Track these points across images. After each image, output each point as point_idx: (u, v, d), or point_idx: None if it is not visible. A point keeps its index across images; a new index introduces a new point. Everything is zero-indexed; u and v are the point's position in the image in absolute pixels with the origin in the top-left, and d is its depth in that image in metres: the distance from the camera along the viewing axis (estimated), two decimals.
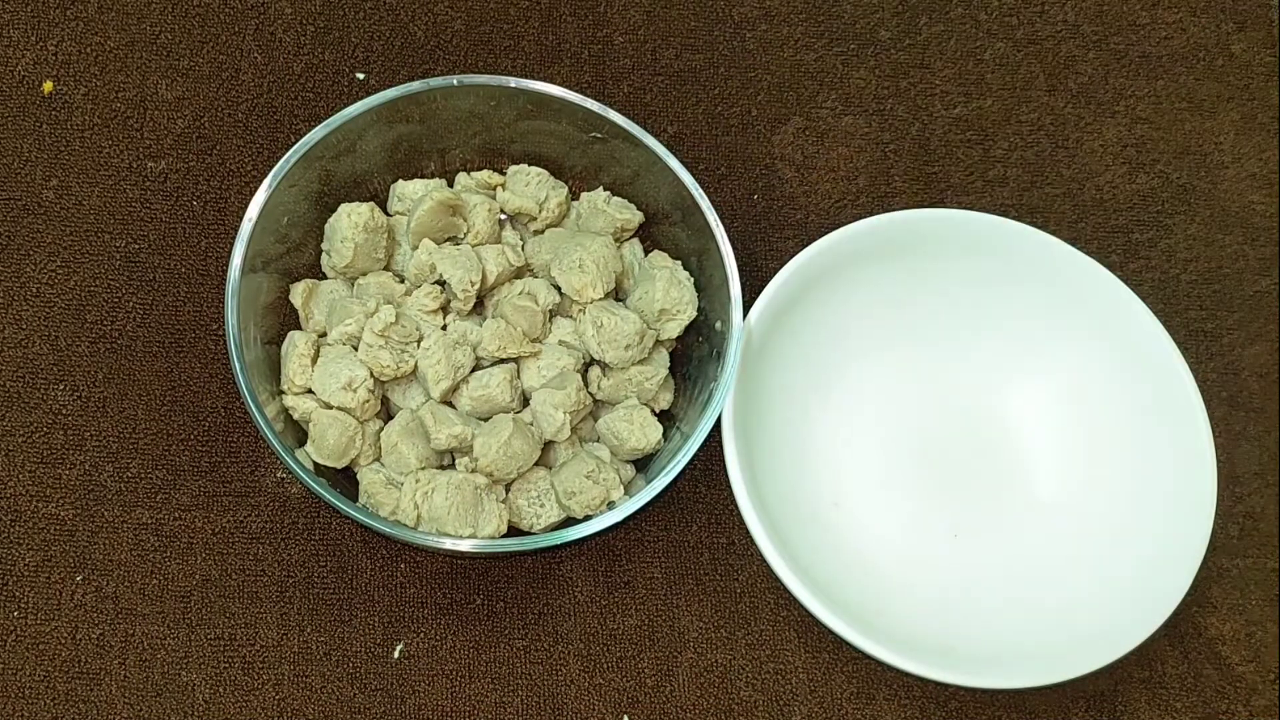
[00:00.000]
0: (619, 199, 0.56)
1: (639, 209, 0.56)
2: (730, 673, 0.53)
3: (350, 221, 0.52)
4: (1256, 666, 0.55)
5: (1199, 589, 0.53)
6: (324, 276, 0.55)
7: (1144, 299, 0.55)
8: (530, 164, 0.56)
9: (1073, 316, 0.56)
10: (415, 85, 0.52)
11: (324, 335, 0.53)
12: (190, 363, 0.55)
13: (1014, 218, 0.56)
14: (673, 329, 0.53)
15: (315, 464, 0.51)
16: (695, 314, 0.53)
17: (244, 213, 0.49)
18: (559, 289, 0.54)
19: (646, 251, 0.57)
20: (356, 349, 0.51)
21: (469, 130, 0.55)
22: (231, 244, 0.49)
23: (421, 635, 0.52)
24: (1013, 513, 0.56)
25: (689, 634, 0.53)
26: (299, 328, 0.54)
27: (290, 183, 0.51)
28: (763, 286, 0.53)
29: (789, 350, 0.55)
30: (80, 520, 0.52)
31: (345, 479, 0.52)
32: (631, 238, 0.57)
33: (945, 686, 0.52)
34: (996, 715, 0.53)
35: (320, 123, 0.51)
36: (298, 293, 0.53)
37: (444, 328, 0.53)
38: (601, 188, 0.56)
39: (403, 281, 0.54)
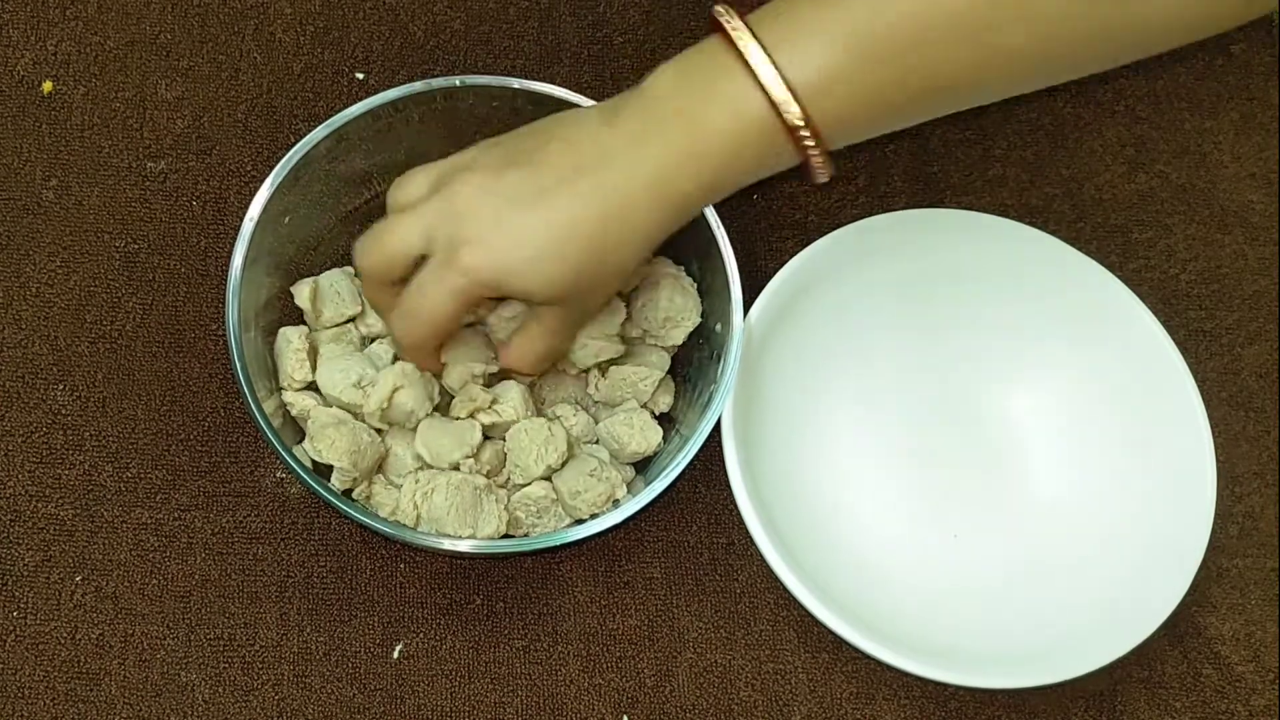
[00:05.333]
0: None
1: None
2: (730, 673, 0.53)
3: None
4: (1256, 666, 0.55)
5: (1199, 589, 0.53)
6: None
7: (1144, 299, 0.55)
8: None
9: (1072, 316, 0.56)
10: (415, 85, 0.52)
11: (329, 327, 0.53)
12: (190, 363, 0.55)
13: (1014, 218, 0.56)
14: (677, 336, 0.54)
15: (314, 463, 0.51)
16: (699, 320, 0.53)
17: (244, 213, 0.49)
18: None
19: None
20: (357, 336, 0.51)
21: (469, 130, 0.55)
22: (232, 244, 0.49)
23: (421, 635, 0.52)
24: (1013, 513, 0.56)
25: (689, 634, 0.53)
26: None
27: (290, 182, 0.51)
28: (763, 286, 0.53)
29: (789, 351, 0.55)
30: (80, 520, 0.52)
31: None
32: None
33: (945, 686, 0.52)
34: (996, 715, 0.53)
35: (320, 123, 0.51)
36: (303, 292, 0.53)
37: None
38: None
39: None
